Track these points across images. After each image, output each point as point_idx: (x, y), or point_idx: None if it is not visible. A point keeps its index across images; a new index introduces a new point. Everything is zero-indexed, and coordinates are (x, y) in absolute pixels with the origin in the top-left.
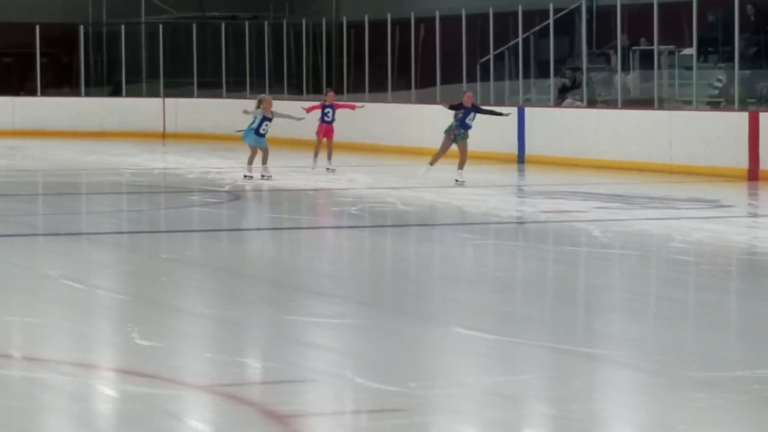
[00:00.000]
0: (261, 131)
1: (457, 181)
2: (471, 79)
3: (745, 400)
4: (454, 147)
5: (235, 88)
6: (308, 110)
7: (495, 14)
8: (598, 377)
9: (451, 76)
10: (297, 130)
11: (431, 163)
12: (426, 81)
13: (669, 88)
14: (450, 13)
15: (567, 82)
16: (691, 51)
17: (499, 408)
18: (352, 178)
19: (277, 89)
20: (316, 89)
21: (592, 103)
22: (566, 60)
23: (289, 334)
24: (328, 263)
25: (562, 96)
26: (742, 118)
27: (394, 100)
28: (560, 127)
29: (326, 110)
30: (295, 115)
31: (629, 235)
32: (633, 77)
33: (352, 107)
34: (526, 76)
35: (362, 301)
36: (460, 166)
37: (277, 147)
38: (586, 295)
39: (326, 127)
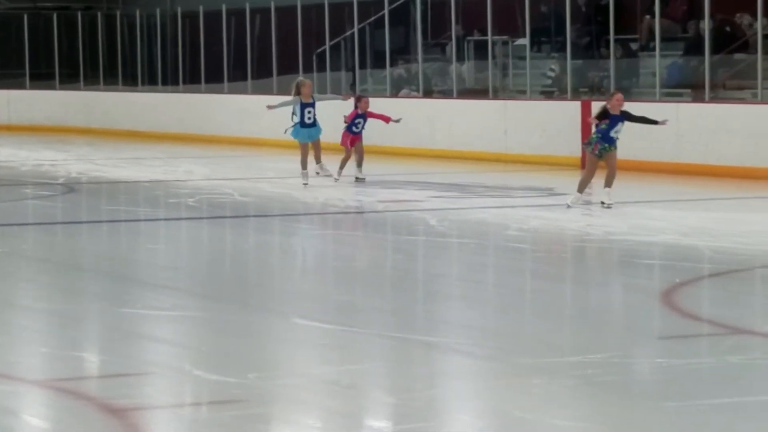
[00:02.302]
0: (306, 121)
1: (603, 203)
2: (307, 69)
3: (579, 384)
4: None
5: (69, 80)
6: (346, 121)
7: (330, 5)
8: (437, 365)
9: (288, 67)
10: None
11: (580, 191)
12: (262, 72)
13: (503, 78)
14: (285, 3)
15: (403, 72)
16: (525, 41)
17: (339, 397)
18: (189, 170)
19: (111, 81)
20: (151, 80)
21: (428, 94)
22: (402, 51)
23: (126, 327)
24: (165, 255)
25: (398, 86)
26: (574, 107)
27: (231, 91)
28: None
29: (357, 120)
30: (338, 96)
31: (466, 223)
32: (468, 67)
33: (386, 120)
34: (362, 66)
35: (200, 293)
36: (608, 184)
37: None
38: (425, 283)
39: (353, 138)
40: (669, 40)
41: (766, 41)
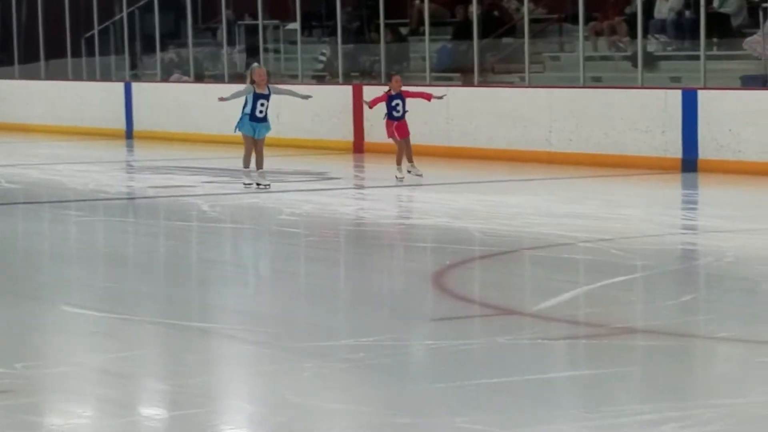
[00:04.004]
0: (257, 114)
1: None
2: (76, 54)
3: (351, 367)
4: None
5: None
6: (372, 104)
7: None
8: (211, 351)
9: (56, 52)
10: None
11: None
12: (30, 56)
13: (275, 63)
14: None
15: (174, 57)
16: (296, 25)
17: (110, 386)
18: None
19: None
20: None
21: (199, 78)
22: (172, 35)
23: None
24: None
25: (168, 71)
26: (346, 91)
27: None
28: (168, 102)
29: (394, 102)
30: (300, 93)
31: (239, 208)
32: (239, 52)
33: (428, 97)
34: (132, 51)
35: None
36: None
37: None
38: (198, 269)
39: (398, 124)
40: (438, 24)
41: (533, 25)
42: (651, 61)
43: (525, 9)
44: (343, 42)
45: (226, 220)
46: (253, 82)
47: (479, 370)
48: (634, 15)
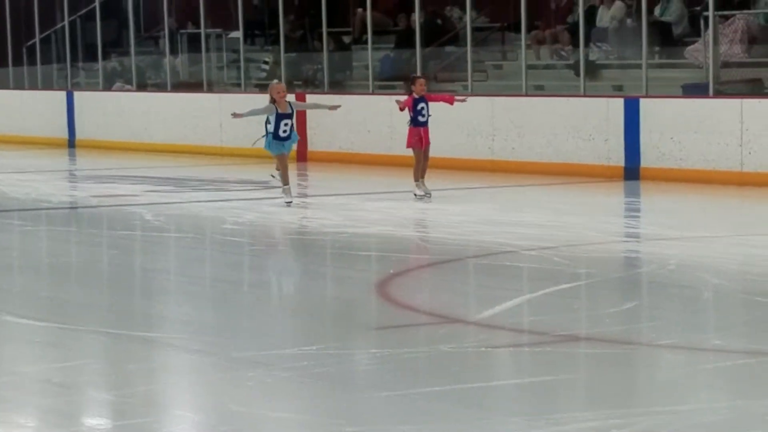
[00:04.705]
0: (281, 134)
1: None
2: (17, 63)
3: (295, 376)
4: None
5: None
6: (402, 107)
7: None
8: (154, 360)
9: None
10: None
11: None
12: None
13: (218, 71)
14: None
15: (117, 66)
16: (238, 34)
17: (53, 395)
18: None
19: None
20: None
21: (141, 87)
22: (114, 44)
23: None
24: None
25: (111, 80)
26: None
27: None
28: (111, 110)
29: (419, 106)
30: (326, 104)
31: (182, 217)
32: (182, 60)
33: (450, 100)
34: (74, 60)
35: None
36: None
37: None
38: (142, 279)
39: (425, 131)
40: (381, 33)
41: (475, 34)
42: (593, 70)
43: (467, 17)
44: (286, 51)
45: (170, 230)
46: (273, 101)
47: (423, 379)
48: (576, 24)
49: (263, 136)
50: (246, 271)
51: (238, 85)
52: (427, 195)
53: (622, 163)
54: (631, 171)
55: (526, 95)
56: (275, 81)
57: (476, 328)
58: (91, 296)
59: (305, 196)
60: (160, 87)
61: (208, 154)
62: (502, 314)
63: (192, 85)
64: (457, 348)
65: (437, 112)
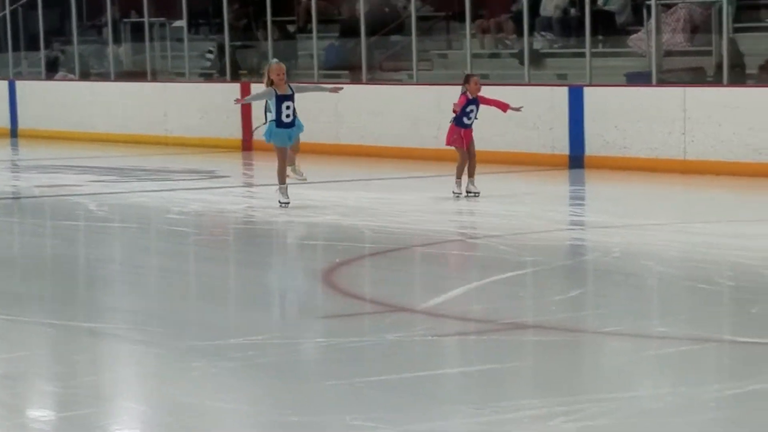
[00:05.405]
0: (284, 119)
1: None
2: None
3: (240, 366)
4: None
5: None
6: (456, 110)
7: None
8: (99, 351)
9: None
10: None
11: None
12: None
13: (162, 60)
14: None
15: (59, 55)
16: (182, 23)
17: None
18: None
19: None
20: None
21: (84, 76)
22: (57, 32)
23: None
24: None
25: (53, 69)
26: (234, 89)
27: None
28: (53, 100)
29: (469, 108)
30: (328, 87)
31: (126, 207)
32: (125, 49)
33: (505, 108)
34: (16, 48)
35: None
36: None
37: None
38: (86, 269)
39: (465, 131)
40: (326, 22)
41: (420, 23)
42: (537, 59)
43: (412, 6)
44: (231, 40)
45: (114, 220)
46: (271, 83)
47: (370, 368)
48: (520, 12)
49: (263, 124)
50: (191, 261)
51: (182, 74)
52: (475, 194)
53: (566, 151)
54: (576, 159)
55: None
56: (274, 60)
57: (423, 317)
58: (35, 287)
59: (251, 185)
60: (104, 76)
61: (153, 144)
62: (449, 303)
63: (135, 74)
64: (404, 337)
65: (386, 102)
